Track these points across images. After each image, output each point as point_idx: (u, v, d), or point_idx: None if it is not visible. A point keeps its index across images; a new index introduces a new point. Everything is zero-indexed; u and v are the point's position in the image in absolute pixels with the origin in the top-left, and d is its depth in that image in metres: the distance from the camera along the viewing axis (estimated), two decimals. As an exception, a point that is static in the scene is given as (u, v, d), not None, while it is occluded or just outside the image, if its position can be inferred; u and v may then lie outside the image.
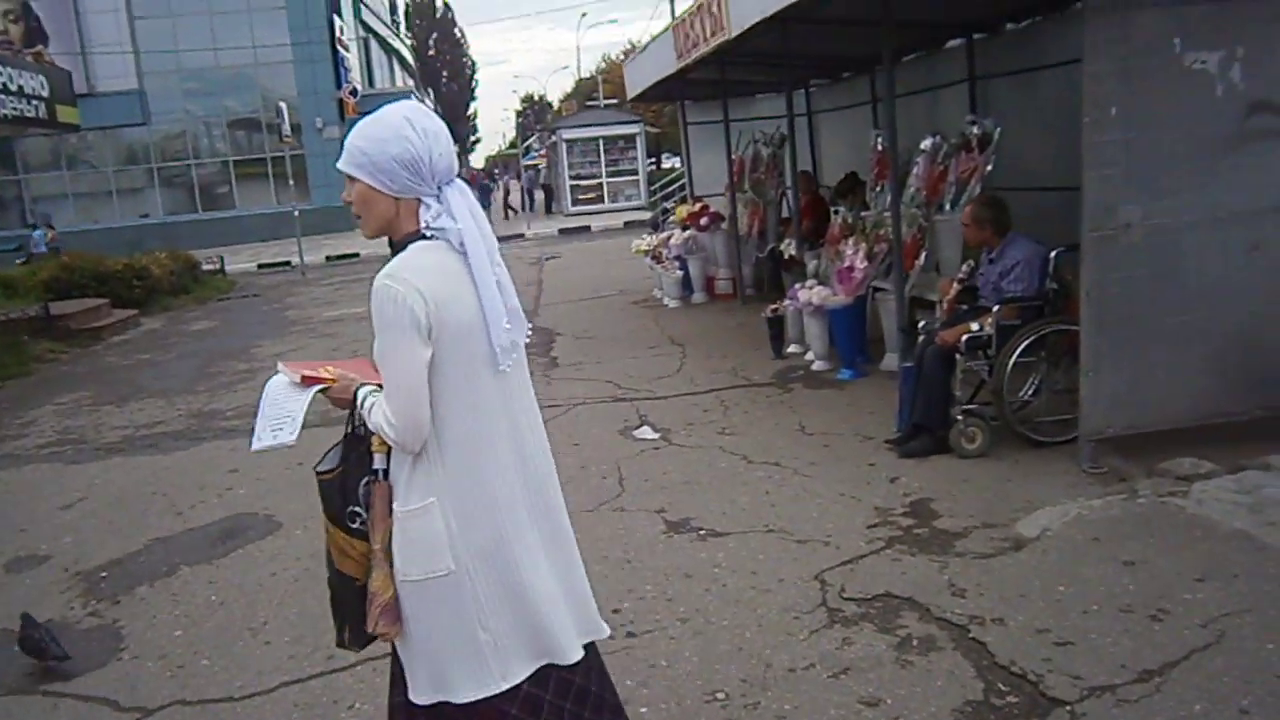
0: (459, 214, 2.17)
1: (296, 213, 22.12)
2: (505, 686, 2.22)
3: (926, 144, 7.52)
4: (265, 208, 34.30)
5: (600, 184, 32.22)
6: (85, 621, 4.34)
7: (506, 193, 38.47)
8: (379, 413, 2.14)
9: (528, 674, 2.25)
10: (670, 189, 25.94)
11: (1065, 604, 3.59)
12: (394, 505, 2.20)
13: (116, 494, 6.24)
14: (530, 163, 48.93)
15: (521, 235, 27.09)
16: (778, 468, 5.41)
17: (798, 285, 7.82)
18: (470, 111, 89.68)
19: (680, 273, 11.59)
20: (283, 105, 22.26)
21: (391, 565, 2.21)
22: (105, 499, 6.15)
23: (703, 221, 11.69)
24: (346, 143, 2.20)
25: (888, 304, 7.28)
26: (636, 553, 4.43)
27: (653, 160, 39.25)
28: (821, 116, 13.32)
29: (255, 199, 34.53)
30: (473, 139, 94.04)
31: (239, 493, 5.98)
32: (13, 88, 14.01)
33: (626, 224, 27.37)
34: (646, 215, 28.44)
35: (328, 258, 25.47)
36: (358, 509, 2.26)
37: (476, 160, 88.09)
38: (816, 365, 7.61)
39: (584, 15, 79.04)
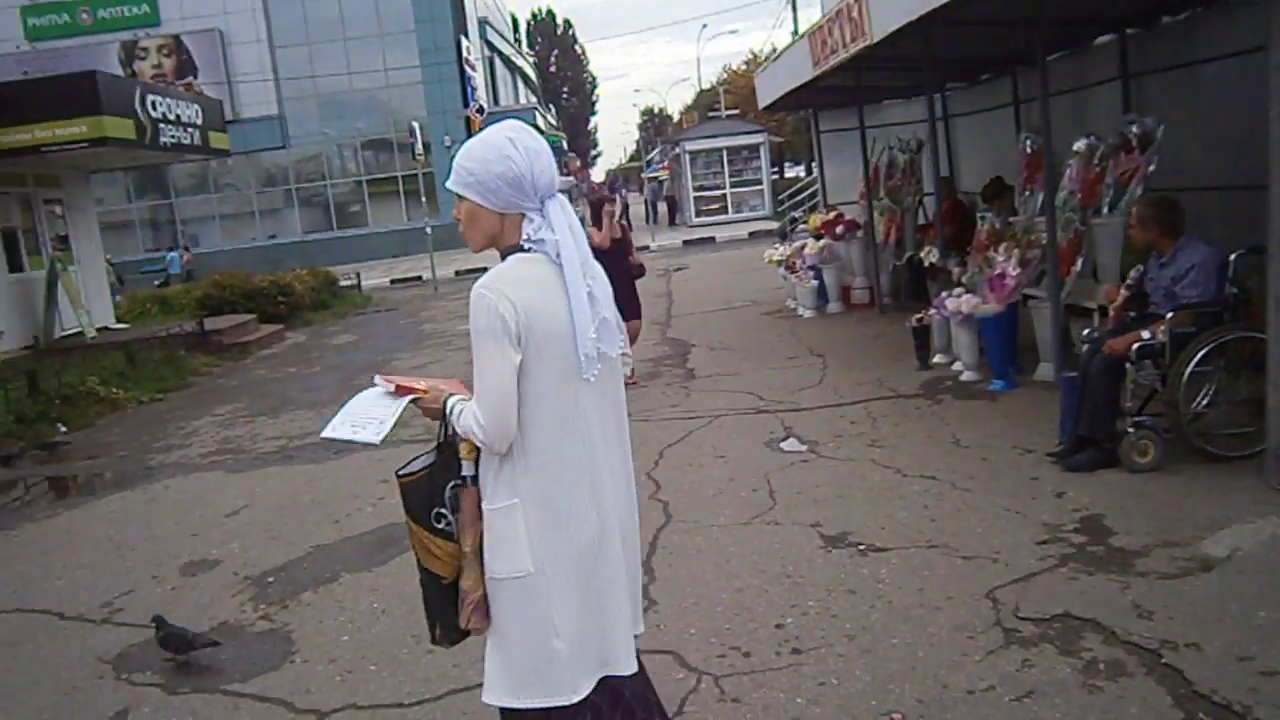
0: (558, 227, 2.29)
1: (429, 229, 22.71)
2: (575, 699, 2.28)
3: (1080, 145, 7.22)
4: (396, 225, 35.41)
5: (724, 194, 32.13)
6: (257, 625, 4.49)
7: (625, 207, 38.63)
8: (469, 415, 2.24)
9: (593, 685, 2.32)
10: (797, 198, 25.61)
11: (1268, 630, 3.35)
12: (483, 505, 2.31)
13: (276, 502, 6.47)
14: (651, 175, 49.21)
15: (646, 247, 27.20)
16: (934, 481, 5.24)
17: (944, 294, 7.61)
18: (591, 125, 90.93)
19: (815, 282, 11.43)
20: (416, 125, 22.93)
21: (482, 565, 2.32)
22: (266, 506, 6.38)
23: (838, 230, 11.51)
24: (455, 163, 2.32)
25: (1041, 312, 7.01)
26: (795, 567, 4.34)
27: (775, 170, 38.98)
28: (957, 120, 12.96)
29: (386, 217, 35.67)
30: (593, 153, 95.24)
31: (390, 502, 6.10)
32: (171, 117, 14.79)
33: (751, 234, 27.21)
34: (772, 225, 28.27)
35: (456, 272, 26.01)
36: (443, 510, 2.35)
37: (597, 174, 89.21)
38: (965, 376, 7.37)
39: (704, 27, 79.05)
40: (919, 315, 8.01)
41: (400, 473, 2.41)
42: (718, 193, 32.28)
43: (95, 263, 16.46)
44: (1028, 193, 8.03)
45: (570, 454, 2.28)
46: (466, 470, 2.33)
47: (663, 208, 38.60)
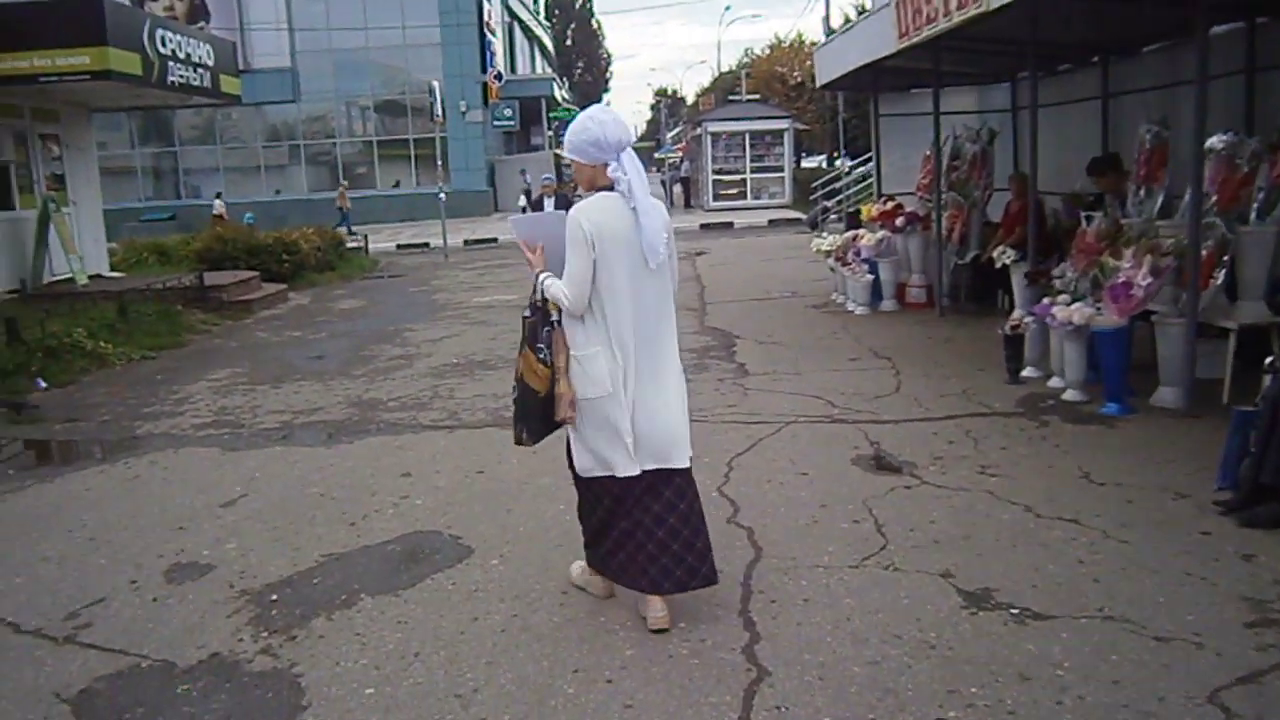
0: (628, 169, 3.46)
1: (443, 195, 21.70)
2: (633, 473, 3.54)
3: (1218, 142, 6.31)
4: (404, 189, 34.41)
5: (744, 180, 31.25)
6: (258, 661, 3.59)
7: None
8: (557, 288, 3.50)
9: (643, 469, 3.55)
10: (831, 186, 24.65)
11: None
12: (570, 348, 3.54)
13: (279, 492, 5.57)
14: (663, 156, 48.07)
15: (664, 229, 26.23)
16: (1078, 526, 4.36)
17: (1047, 300, 6.71)
18: (604, 103, 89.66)
19: (870, 277, 10.53)
20: (435, 84, 21.89)
21: (569, 378, 3.53)
22: (268, 498, 5.48)
23: (898, 222, 10.59)
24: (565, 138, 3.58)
25: (1167, 329, 6.12)
26: (938, 634, 3.45)
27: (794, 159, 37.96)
28: (1025, 114, 12.01)
29: (395, 180, 34.62)
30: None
31: (416, 503, 5.22)
32: (181, 55, 13.77)
33: (771, 222, 26.34)
34: (792, 214, 27.45)
35: (465, 241, 25.10)
36: (541, 344, 3.55)
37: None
38: (1070, 395, 6.47)
39: (728, 8, 78.02)
40: (1013, 322, 7.10)
41: (525, 315, 3.63)
42: (737, 177, 31.40)
43: (92, 206, 15.46)
44: (1142, 192, 7.13)
45: (624, 318, 3.46)
46: (554, 316, 3.58)
47: (678, 189, 37.58)
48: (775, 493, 5.03)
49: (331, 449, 6.46)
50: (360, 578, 4.28)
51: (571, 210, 3.47)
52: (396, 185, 34.83)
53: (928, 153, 11.49)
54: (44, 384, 8.88)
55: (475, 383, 8.23)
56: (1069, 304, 6.47)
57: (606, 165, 3.47)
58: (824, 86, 12.10)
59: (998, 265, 9.30)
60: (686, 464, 3.60)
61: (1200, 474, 4.84)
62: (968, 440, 5.75)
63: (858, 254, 10.70)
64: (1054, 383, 6.80)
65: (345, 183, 31.24)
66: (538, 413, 3.59)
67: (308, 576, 4.33)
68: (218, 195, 29.29)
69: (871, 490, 4.98)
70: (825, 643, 3.43)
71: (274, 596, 4.13)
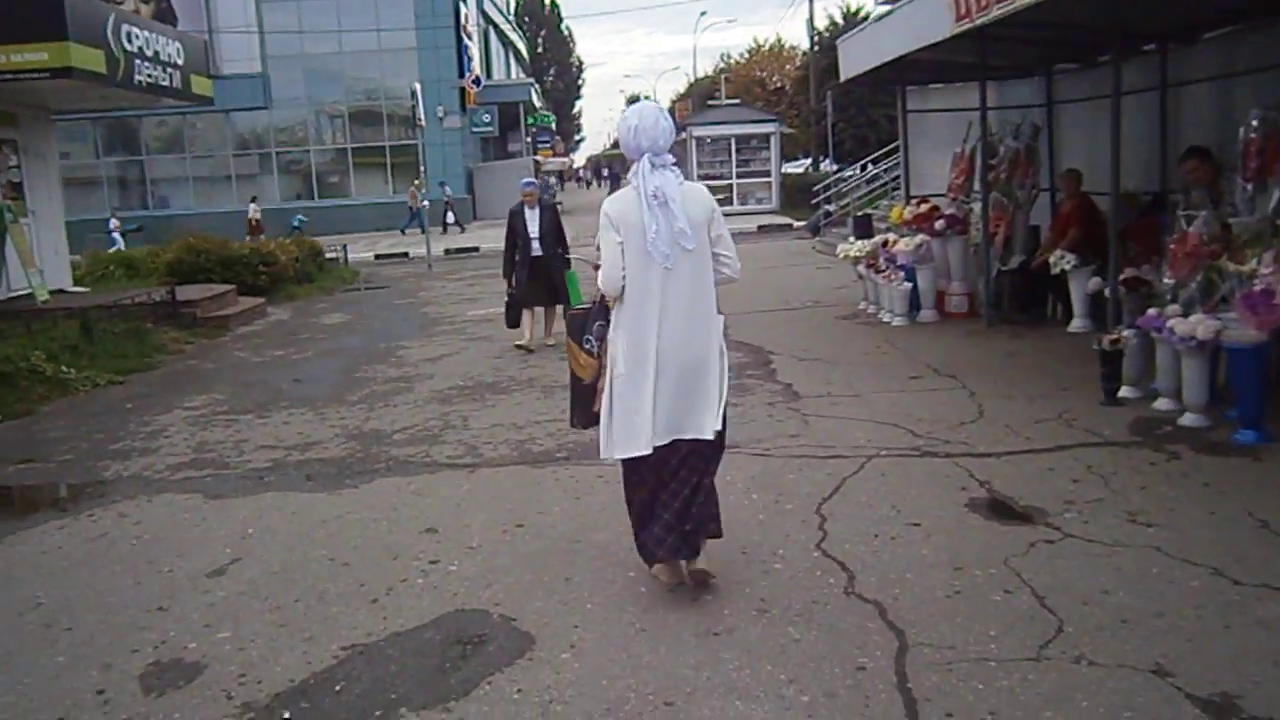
0: (640, 172, 3.74)
1: (426, 203, 20.70)
2: (647, 451, 3.72)
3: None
4: (380, 197, 33.32)
5: (730, 185, 30.43)
6: (272, 820, 2.66)
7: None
8: (600, 274, 3.83)
9: (660, 443, 3.73)
10: (830, 190, 23.85)
11: None
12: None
13: (279, 555, 4.61)
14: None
15: (653, 236, 25.37)
16: (1295, 598, 3.51)
17: (1155, 312, 5.89)
18: (575, 110, 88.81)
19: (908, 285, 9.69)
20: (416, 87, 20.82)
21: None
22: (266, 563, 4.52)
23: (937, 225, 9.76)
24: None
25: (1309, 342, 5.31)
26: (1197, 772, 2.58)
27: (779, 163, 37.20)
28: (1064, 108, 11.23)
29: (370, 188, 33.62)
30: (577, 137, 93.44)
31: (449, 570, 4.29)
32: (149, 52, 12.74)
33: (760, 228, 25.58)
34: (780, 220, 26.83)
35: (446, 250, 24.16)
36: (589, 337, 3.93)
37: (578, 159, 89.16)
38: (1189, 420, 5.63)
39: (703, 14, 77.79)
40: (1113, 336, 6.27)
41: (569, 310, 4.74)
42: (723, 183, 30.56)
43: (54, 217, 14.35)
44: (1250, 187, 6.31)
45: (642, 306, 3.71)
46: (612, 316, 3.86)
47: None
48: (890, 552, 4.14)
49: (335, 495, 5.50)
50: (396, 681, 3.34)
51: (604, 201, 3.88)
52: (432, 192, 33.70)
53: (958, 150, 10.73)
54: (-3, 416, 7.87)
55: (489, 409, 7.30)
56: (1184, 315, 5.65)
57: (633, 162, 3.80)
58: (848, 80, 11.24)
59: (1054, 271, 8.53)
60: (705, 436, 3.74)
61: (1403, 522, 4.02)
62: (1094, 478, 4.88)
63: (893, 260, 9.87)
64: (1162, 404, 5.97)
65: (418, 181, 30.11)
66: (586, 399, 3.98)
67: (328, 681, 3.38)
68: (253, 199, 28.13)
69: (1008, 546, 4.10)
70: (1049, 787, 2.55)
71: (286, 714, 3.18)
